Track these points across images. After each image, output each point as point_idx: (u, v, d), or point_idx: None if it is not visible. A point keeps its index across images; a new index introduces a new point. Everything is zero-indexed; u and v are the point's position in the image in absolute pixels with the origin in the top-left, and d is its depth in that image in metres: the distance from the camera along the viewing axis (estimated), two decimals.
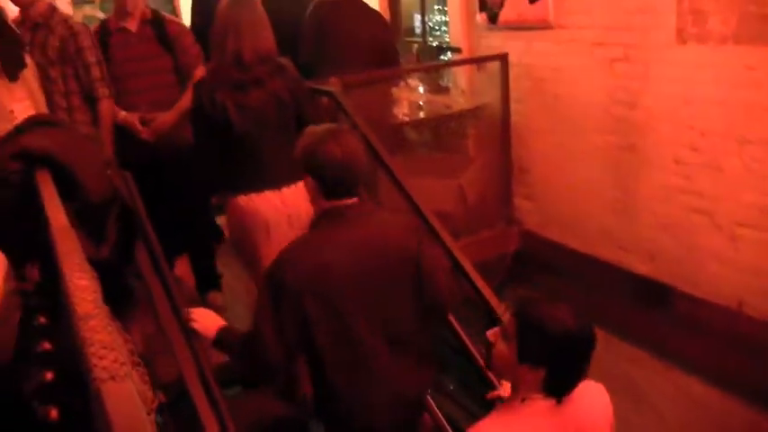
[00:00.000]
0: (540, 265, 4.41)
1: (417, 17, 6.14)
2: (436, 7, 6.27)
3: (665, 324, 3.70)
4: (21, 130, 2.30)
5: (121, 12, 3.41)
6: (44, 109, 2.86)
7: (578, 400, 1.69)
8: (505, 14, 4.36)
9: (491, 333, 1.74)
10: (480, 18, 4.58)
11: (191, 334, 2.17)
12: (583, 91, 4.01)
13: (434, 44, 5.60)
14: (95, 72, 3.22)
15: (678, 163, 3.56)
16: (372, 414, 2.11)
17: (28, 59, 2.80)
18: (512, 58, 4.29)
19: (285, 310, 1.96)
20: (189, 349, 2.09)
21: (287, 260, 2.01)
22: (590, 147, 4.07)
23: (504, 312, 1.74)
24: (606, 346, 3.31)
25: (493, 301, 2.50)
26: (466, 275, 2.59)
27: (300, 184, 2.36)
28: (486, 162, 4.55)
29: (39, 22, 3.18)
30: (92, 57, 3.22)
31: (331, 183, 2.02)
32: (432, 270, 2.12)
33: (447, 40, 5.47)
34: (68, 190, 2.07)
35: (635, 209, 3.89)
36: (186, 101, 3.24)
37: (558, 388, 1.65)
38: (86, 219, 2.12)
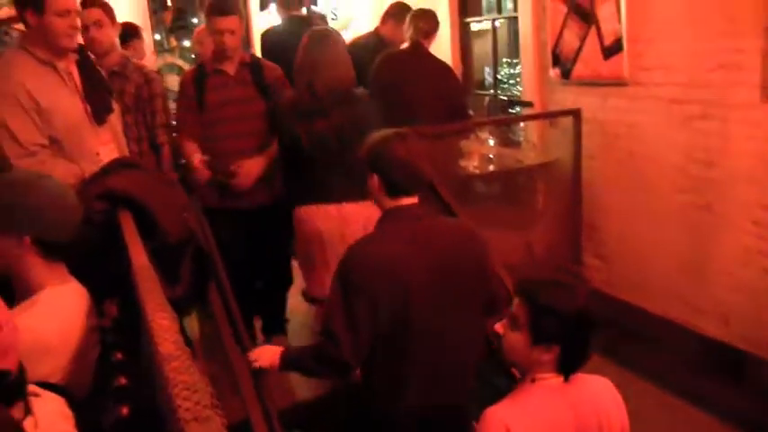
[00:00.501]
0: (607, 324, 4.28)
1: (488, 70, 6.19)
2: (506, 60, 6.32)
3: (739, 392, 3.52)
4: (106, 171, 2.40)
5: (220, 54, 3.37)
6: (126, 152, 2.99)
7: (584, 382, 1.83)
8: (579, 70, 4.34)
9: (499, 325, 1.85)
10: (553, 73, 4.57)
11: (258, 374, 2.20)
12: (658, 148, 3.94)
13: (505, 97, 5.62)
14: (161, 118, 3.44)
15: (757, 224, 3.44)
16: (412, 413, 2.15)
17: (114, 105, 2.93)
18: (585, 114, 4.26)
19: (355, 305, 2.03)
20: (255, 391, 2.10)
21: (354, 255, 2.12)
22: (664, 205, 3.97)
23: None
24: (672, 412, 3.20)
25: None
26: None
27: (363, 203, 2.62)
28: (556, 217, 4.48)
29: (115, 71, 3.37)
30: (159, 104, 3.44)
31: (395, 181, 2.14)
32: (492, 266, 2.23)
33: (518, 93, 5.48)
34: (148, 230, 2.14)
35: (710, 270, 3.75)
36: (274, 148, 3.34)
37: (570, 365, 1.78)
38: (163, 259, 2.17)
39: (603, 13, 4.06)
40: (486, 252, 2.22)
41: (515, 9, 5.36)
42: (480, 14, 5.89)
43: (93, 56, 3.20)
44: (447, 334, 2.12)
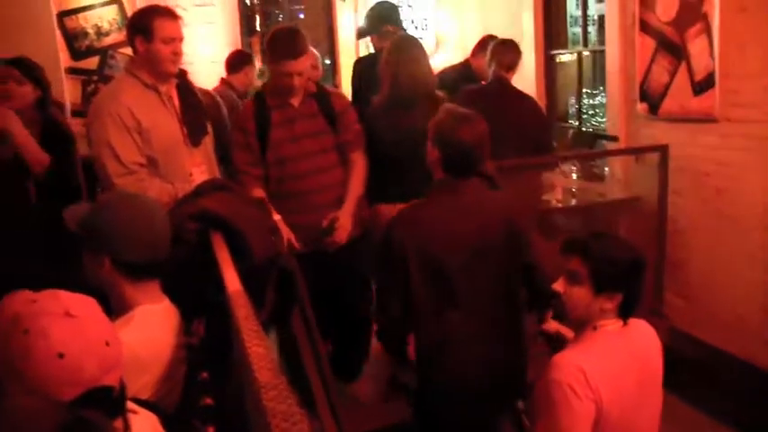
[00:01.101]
0: (689, 366, 4.14)
1: (572, 101, 6.13)
2: (589, 91, 6.25)
3: None
4: (200, 192, 2.49)
5: (286, 94, 3.15)
6: (217, 173, 3.08)
7: (637, 326, 2.03)
8: (667, 105, 4.25)
9: (557, 284, 1.98)
10: (640, 107, 4.49)
11: (334, 404, 2.23)
12: (748, 187, 3.80)
13: (590, 130, 5.54)
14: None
15: None
16: (458, 376, 2.33)
17: (209, 127, 3.04)
18: (672, 150, 4.16)
19: (394, 266, 2.27)
20: (335, 421, 2.12)
21: (397, 219, 2.37)
22: (753, 246, 3.82)
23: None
24: None
25: None
26: None
27: None
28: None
29: None
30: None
31: (453, 159, 2.31)
32: (530, 241, 2.36)
33: (601, 125, 5.40)
34: (237, 252, 2.19)
35: None
36: (357, 187, 3.23)
37: (629, 309, 1.96)
38: (249, 282, 2.23)
39: (695, 48, 3.97)
40: (523, 224, 2.37)
41: (600, 41, 5.31)
42: (566, 46, 5.84)
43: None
44: (481, 294, 2.30)
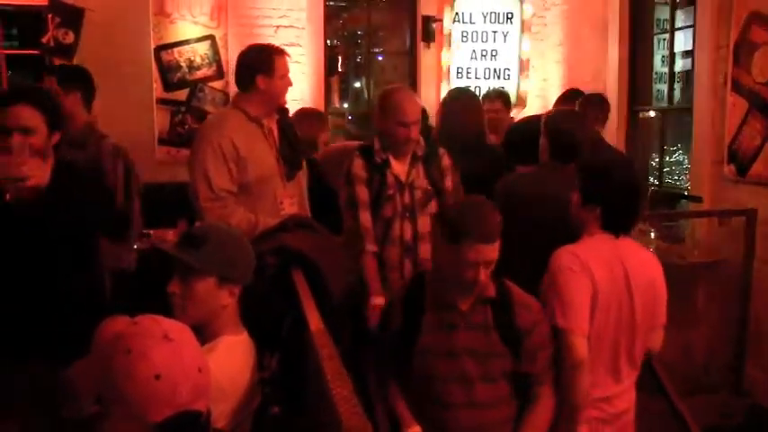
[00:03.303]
0: None
1: (653, 158, 5.98)
2: (672, 148, 6.09)
3: None
4: (282, 228, 2.53)
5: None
6: (307, 210, 3.14)
7: (634, 246, 2.41)
8: (758, 168, 4.11)
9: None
10: (727, 169, 4.36)
11: None
12: None
13: (671, 190, 5.39)
14: None
15: None
16: None
17: (303, 163, 3.13)
18: (761, 215, 4.00)
19: None
20: None
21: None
22: None
23: None
24: None
25: None
26: None
27: None
28: (719, 321, 4.20)
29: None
30: None
31: (556, 147, 2.80)
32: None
33: (684, 186, 5.26)
34: (313, 290, 2.21)
35: None
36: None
37: (614, 224, 2.33)
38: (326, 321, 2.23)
39: None
40: None
41: (684, 99, 5.19)
42: (650, 103, 5.74)
43: None
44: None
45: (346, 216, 3.02)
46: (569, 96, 4.73)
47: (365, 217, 2.95)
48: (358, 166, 2.98)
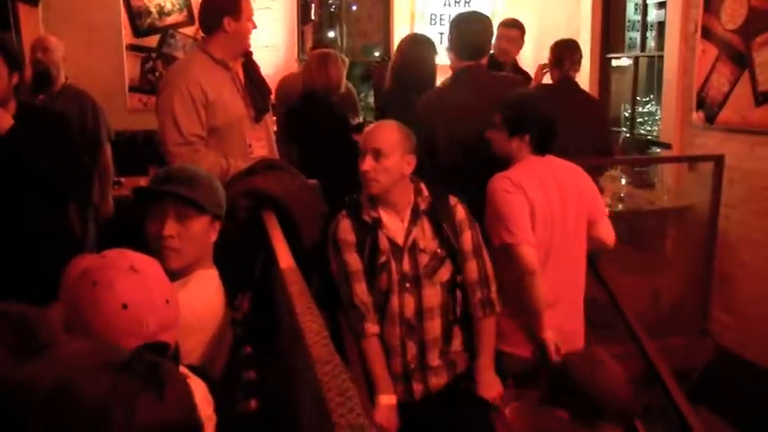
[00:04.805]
0: (734, 387, 4.03)
1: (625, 107, 6.03)
2: (644, 99, 6.13)
3: None
4: (254, 170, 2.51)
5: None
6: (275, 152, 3.13)
7: (559, 161, 2.67)
8: (726, 115, 4.16)
9: (488, 134, 2.67)
10: (696, 116, 4.40)
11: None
12: None
13: (642, 137, 5.44)
14: None
15: None
16: None
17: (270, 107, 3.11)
18: (728, 161, 4.06)
19: None
20: None
21: None
22: None
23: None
24: None
25: (686, 409, 2.35)
26: (661, 381, 2.45)
27: None
28: (685, 266, 4.29)
29: None
30: None
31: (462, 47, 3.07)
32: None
33: (655, 134, 5.30)
34: (286, 232, 2.21)
35: None
36: None
37: (540, 145, 2.60)
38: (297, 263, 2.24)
39: (761, 57, 3.87)
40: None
41: (658, 47, 5.21)
42: (622, 51, 5.75)
43: None
44: None
45: (341, 292, 2.49)
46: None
47: (361, 290, 2.44)
48: (345, 230, 2.47)
